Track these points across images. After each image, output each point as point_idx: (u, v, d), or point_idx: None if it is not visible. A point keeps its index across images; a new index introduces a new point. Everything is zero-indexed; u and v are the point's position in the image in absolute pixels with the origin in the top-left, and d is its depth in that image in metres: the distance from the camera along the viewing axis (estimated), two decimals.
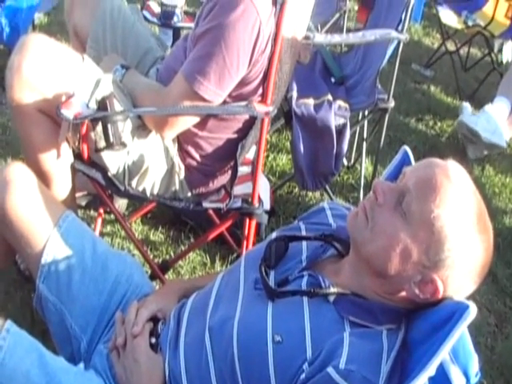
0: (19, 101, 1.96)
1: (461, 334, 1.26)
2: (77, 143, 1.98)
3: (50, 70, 1.97)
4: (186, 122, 2.06)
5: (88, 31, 2.47)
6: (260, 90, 2.05)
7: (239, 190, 2.24)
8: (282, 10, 1.92)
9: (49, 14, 4.62)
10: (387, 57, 2.93)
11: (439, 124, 4.39)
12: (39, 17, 4.39)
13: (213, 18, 1.91)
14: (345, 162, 3.35)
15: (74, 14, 2.53)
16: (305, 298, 1.41)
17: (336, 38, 2.89)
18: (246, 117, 2.10)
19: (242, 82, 2.00)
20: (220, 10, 1.89)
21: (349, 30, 4.58)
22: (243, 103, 2.03)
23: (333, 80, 3.20)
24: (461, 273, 1.32)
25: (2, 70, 3.59)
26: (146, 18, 2.80)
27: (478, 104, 4.39)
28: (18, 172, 1.79)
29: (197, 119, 2.07)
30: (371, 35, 2.78)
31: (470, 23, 4.96)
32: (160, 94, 2.07)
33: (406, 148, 1.67)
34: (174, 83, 2.03)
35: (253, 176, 2.22)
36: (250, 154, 2.33)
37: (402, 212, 1.33)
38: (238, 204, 2.19)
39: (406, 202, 1.33)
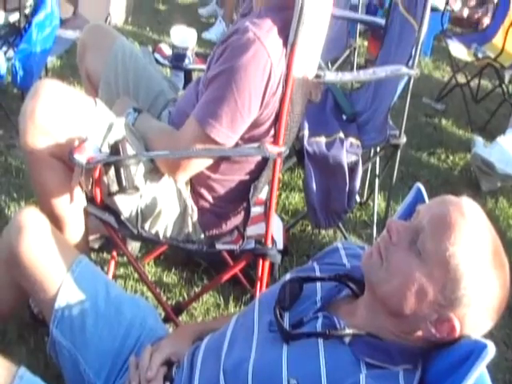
0: (32, 146, 1.97)
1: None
2: (90, 187, 1.99)
3: (63, 116, 1.98)
4: (199, 165, 2.07)
5: (100, 75, 2.50)
6: (272, 131, 2.05)
7: (252, 230, 2.24)
8: (293, 51, 1.93)
9: (61, 57, 4.71)
10: (398, 93, 2.93)
11: (451, 157, 4.39)
12: (52, 60, 4.46)
13: (224, 61, 1.92)
14: (357, 198, 3.33)
15: (86, 57, 2.56)
16: (320, 340, 1.39)
17: (347, 76, 2.89)
18: (259, 158, 2.10)
19: (254, 124, 2.00)
20: (231, 52, 1.90)
21: (359, 66, 4.63)
22: (255, 145, 2.03)
23: (344, 117, 3.20)
24: (478, 310, 1.31)
25: (15, 114, 3.67)
26: (157, 61, 2.81)
27: (490, 135, 4.40)
28: (31, 217, 1.81)
29: (209, 162, 2.07)
30: (382, 72, 2.79)
31: (480, 55, 5.00)
32: (172, 137, 2.08)
33: (419, 185, 1.66)
34: (186, 126, 2.03)
35: (266, 216, 2.21)
36: (263, 194, 2.33)
37: (416, 251, 1.32)
38: (252, 245, 2.18)
39: (421, 241, 1.32)
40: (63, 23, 4.32)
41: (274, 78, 1.92)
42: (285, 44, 1.93)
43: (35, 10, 3.64)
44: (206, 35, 5.88)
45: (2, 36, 3.67)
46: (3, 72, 3.33)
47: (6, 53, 3.59)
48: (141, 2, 6.25)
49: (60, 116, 1.97)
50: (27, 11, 3.66)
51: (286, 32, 1.93)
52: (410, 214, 1.45)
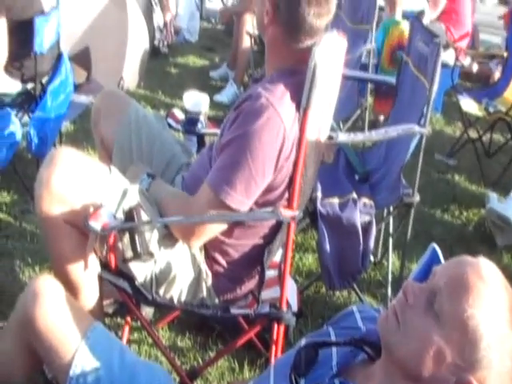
0: (48, 213, 2.00)
1: None
2: (104, 253, 2.00)
3: (79, 184, 2.01)
4: (213, 231, 2.07)
5: (114, 140, 2.54)
6: (285, 195, 2.05)
7: (267, 294, 2.23)
8: (306, 115, 1.95)
9: (75, 122, 4.76)
10: (410, 151, 2.94)
11: (465, 213, 4.36)
12: (65, 125, 4.51)
13: (237, 127, 1.94)
14: (371, 257, 3.31)
15: (100, 123, 2.61)
16: None
17: (359, 137, 2.89)
18: (272, 222, 2.10)
19: (268, 189, 2.01)
20: (244, 118, 1.92)
21: (371, 125, 4.66)
22: (269, 209, 2.02)
23: (357, 177, 3.21)
24: (498, 372, 1.28)
25: (29, 179, 3.71)
26: (170, 126, 2.85)
27: (504, 190, 4.39)
28: (46, 284, 1.82)
29: (223, 227, 2.07)
30: (394, 131, 2.80)
31: (491, 110, 5.00)
32: (187, 203, 2.09)
33: (435, 245, 1.66)
34: (200, 193, 2.04)
35: (280, 280, 2.19)
36: (277, 257, 2.32)
37: (433, 313, 1.31)
38: (266, 309, 2.16)
39: (438, 303, 1.30)
40: (77, 88, 4.39)
41: (288, 142, 1.94)
42: (297, 108, 1.95)
43: (51, 77, 3.72)
44: (218, 98, 5.92)
45: (18, 103, 3.72)
46: (18, 138, 3.37)
47: (21, 119, 3.65)
48: (153, 66, 6.34)
49: (75, 184, 2.00)
50: (44, 79, 3.73)
51: (298, 96, 1.95)
52: (426, 275, 1.44)
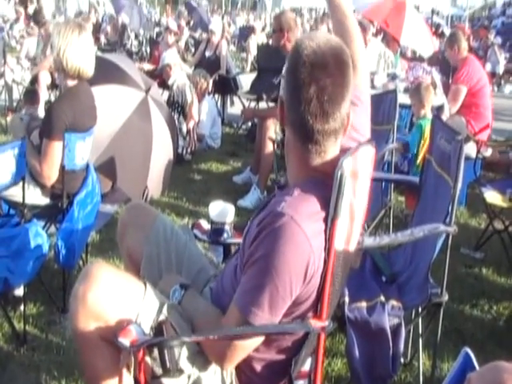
0: (83, 329, 2.02)
1: None
2: (136, 369, 1.99)
3: (114, 301, 2.03)
4: (244, 351, 2.02)
5: (141, 252, 2.57)
6: (314, 305, 2.01)
7: None
8: (334, 225, 1.92)
9: (100, 231, 4.81)
10: (437, 250, 2.92)
11: (495, 307, 4.29)
12: (91, 234, 4.55)
13: (261, 246, 1.89)
14: (401, 359, 3.26)
15: (126, 236, 2.64)
16: None
17: (385, 240, 2.84)
18: (300, 333, 2.07)
19: (296, 301, 1.96)
20: (268, 237, 1.87)
21: (396, 223, 4.66)
22: (299, 321, 2.00)
23: (384, 279, 3.18)
24: None
25: (55, 290, 3.74)
26: (196, 237, 2.88)
27: None
28: None
29: (254, 346, 2.02)
30: (419, 232, 2.77)
31: None
32: (217, 323, 2.05)
33: (467, 350, 1.63)
34: (228, 315, 2.00)
35: None
36: (305, 366, 2.28)
37: None
38: None
39: None
40: (102, 198, 4.46)
41: (314, 257, 1.89)
42: (325, 220, 1.92)
43: (78, 188, 3.80)
44: (242, 203, 5.93)
45: (45, 214, 3.79)
46: (45, 251, 3.39)
47: (48, 229, 3.72)
48: (177, 173, 6.42)
49: (111, 301, 2.02)
50: (71, 191, 3.80)
51: (324, 207, 1.92)
52: (460, 382, 1.42)
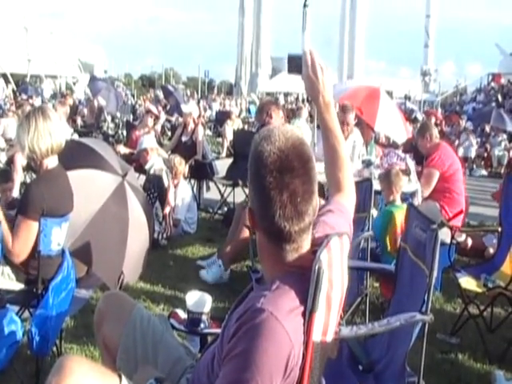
0: None
1: None
2: None
3: None
4: None
5: (117, 342, 2.55)
6: None
7: None
8: (312, 319, 1.92)
9: (75, 317, 4.73)
10: (414, 338, 2.93)
11: None
12: (65, 320, 4.48)
13: (239, 342, 1.86)
14: None
15: (103, 325, 2.62)
16: None
17: (362, 330, 2.83)
18: None
19: None
20: (247, 333, 1.86)
21: (372, 309, 4.65)
22: None
23: (360, 368, 3.16)
24: None
25: (29, 378, 3.65)
26: (173, 326, 2.86)
27: (510, 365, 4.30)
28: None
29: None
30: (396, 321, 2.80)
31: (490, 285, 5.02)
32: None
33: None
34: None
35: None
36: None
37: None
38: None
39: None
40: (77, 283, 4.42)
41: (294, 351, 1.88)
42: (303, 314, 1.91)
43: (54, 274, 3.75)
44: (204, 275, 6.07)
45: (19, 300, 3.74)
46: (19, 337, 3.34)
47: (21, 315, 3.66)
48: (152, 258, 6.33)
49: None
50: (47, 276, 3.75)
51: (303, 301, 1.92)
52: None
